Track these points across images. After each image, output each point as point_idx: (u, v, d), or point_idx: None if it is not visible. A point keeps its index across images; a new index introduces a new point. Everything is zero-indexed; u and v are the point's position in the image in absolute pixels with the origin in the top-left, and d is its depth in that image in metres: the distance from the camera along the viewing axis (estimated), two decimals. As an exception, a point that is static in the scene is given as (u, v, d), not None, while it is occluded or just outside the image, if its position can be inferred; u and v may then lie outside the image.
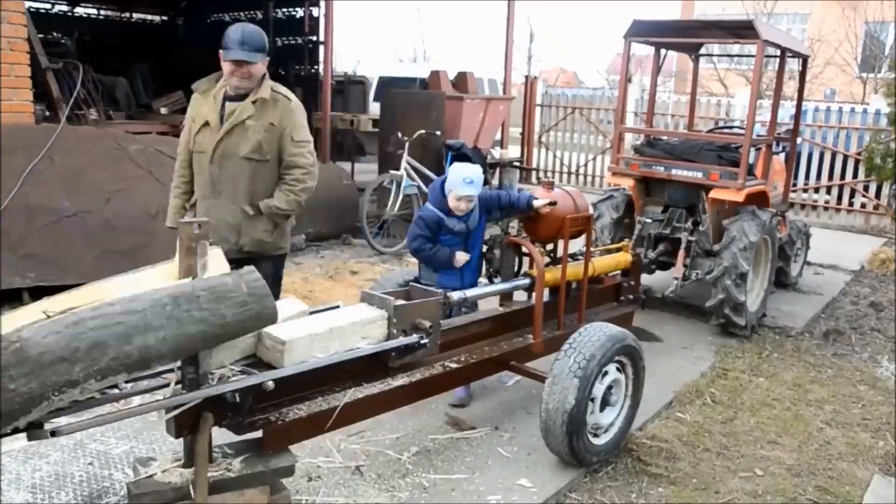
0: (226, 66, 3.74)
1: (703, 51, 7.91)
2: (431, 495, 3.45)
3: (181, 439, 2.60)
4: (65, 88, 7.74)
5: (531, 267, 4.23)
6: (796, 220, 7.51)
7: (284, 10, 13.55)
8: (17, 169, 5.87)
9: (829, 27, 19.82)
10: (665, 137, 7.10)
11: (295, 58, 13.41)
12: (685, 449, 4.07)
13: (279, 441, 2.80)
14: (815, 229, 8.64)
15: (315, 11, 12.55)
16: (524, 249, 4.23)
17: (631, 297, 4.96)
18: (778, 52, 6.29)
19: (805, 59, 6.85)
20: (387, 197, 8.39)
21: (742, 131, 6.51)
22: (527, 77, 14.63)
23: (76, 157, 6.25)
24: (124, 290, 2.16)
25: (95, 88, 8.91)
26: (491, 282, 4.32)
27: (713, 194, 5.86)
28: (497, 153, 10.87)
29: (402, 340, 3.24)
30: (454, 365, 3.56)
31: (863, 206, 11.46)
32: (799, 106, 7.14)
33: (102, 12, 15.75)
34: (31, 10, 6.84)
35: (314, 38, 12.73)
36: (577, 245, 4.41)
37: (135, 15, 16.06)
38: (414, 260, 4.37)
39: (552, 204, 4.14)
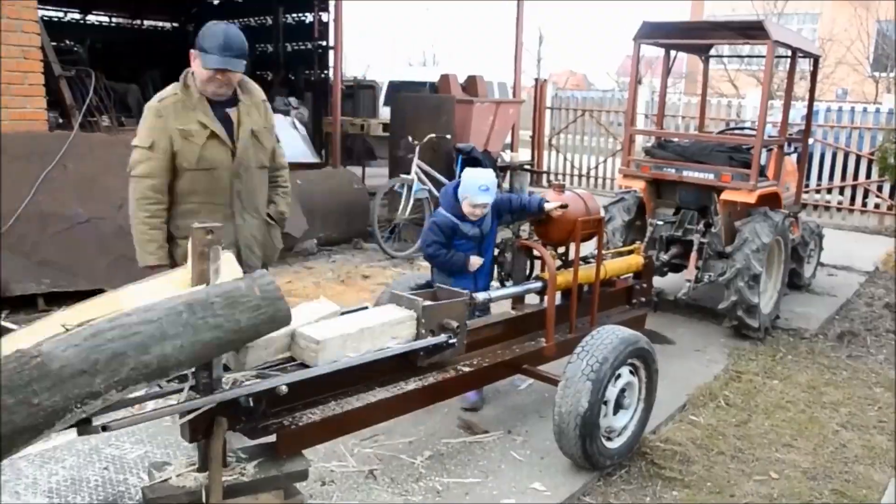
0: (203, 73, 3.34)
1: (713, 52, 7.89)
2: (445, 499, 3.45)
3: (195, 443, 2.62)
4: (77, 96, 7.82)
5: (543, 270, 4.23)
6: (809, 221, 7.47)
7: (294, 15, 13.63)
8: (31, 176, 5.92)
9: (841, 26, 19.70)
10: (676, 139, 7.09)
11: (305, 63, 13.50)
12: (699, 452, 4.05)
13: (293, 445, 2.80)
14: (828, 230, 8.59)
15: (325, 16, 12.62)
16: (535, 252, 4.23)
17: (643, 299, 4.94)
18: (789, 53, 6.27)
19: (816, 59, 6.82)
20: (398, 201, 8.40)
21: (753, 132, 6.48)
22: (536, 80, 14.63)
23: (89, 163, 6.30)
24: (138, 300, 2.17)
25: (108, 95, 9.00)
26: (502, 285, 4.33)
27: (725, 196, 5.84)
28: (507, 156, 10.87)
29: (431, 340, 3.29)
30: (467, 368, 3.56)
31: (876, 206, 11.38)
32: (810, 106, 7.11)
33: (114, 20, 15.91)
34: (44, 18, 6.90)
35: (324, 43, 12.79)
36: (588, 248, 4.40)
37: (146, 22, 16.20)
38: (424, 264, 4.39)
39: (563, 207, 4.14)
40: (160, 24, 16.34)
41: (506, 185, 10.46)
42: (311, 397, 2.97)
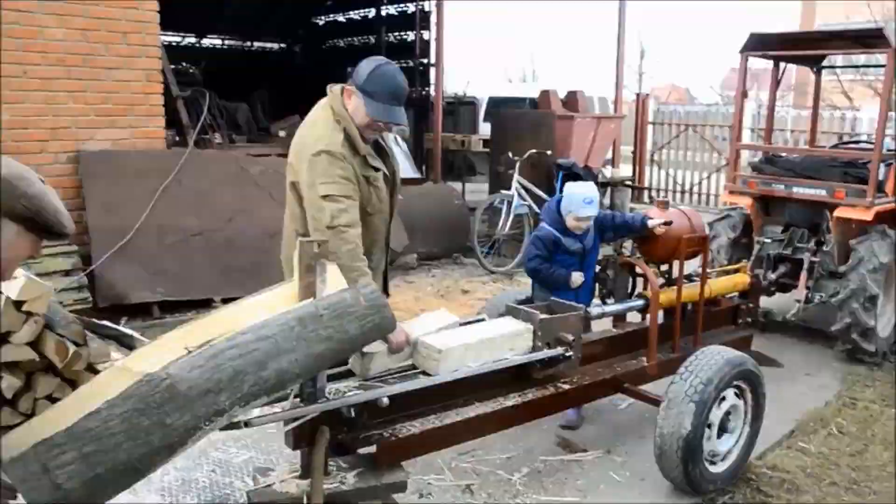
0: (365, 118, 3.05)
1: (825, 63, 7.58)
2: (542, 517, 3.42)
3: (298, 451, 2.69)
4: (192, 114, 8.22)
5: (645, 288, 4.16)
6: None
7: (396, 34, 13.89)
8: (150, 190, 6.27)
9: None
10: (785, 154, 6.83)
11: (407, 80, 13.71)
12: (809, 481, 3.87)
13: (392, 456, 2.84)
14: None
15: (426, 34, 12.82)
16: (638, 270, 4.16)
17: (749, 319, 4.78)
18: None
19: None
20: (497, 217, 8.43)
21: (870, 146, 6.19)
22: (638, 94, 14.40)
23: (202, 178, 6.62)
24: (248, 316, 2.26)
25: (220, 114, 9.44)
26: (604, 303, 4.27)
27: (839, 213, 5.58)
28: (608, 172, 10.74)
29: (548, 352, 3.32)
30: (566, 386, 3.53)
31: None
32: (934, 119, 6.73)
33: (226, 42, 16.68)
34: (164, 43, 7.33)
35: (425, 61, 12.99)
36: (692, 266, 4.30)
37: (255, 44, 16.91)
38: (524, 279, 4.38)
39: (667, 224, 4.06)
40: (269, 44, 17.02)
41: (606, 201, 10.32)
42: (435, 403, 3.04)
